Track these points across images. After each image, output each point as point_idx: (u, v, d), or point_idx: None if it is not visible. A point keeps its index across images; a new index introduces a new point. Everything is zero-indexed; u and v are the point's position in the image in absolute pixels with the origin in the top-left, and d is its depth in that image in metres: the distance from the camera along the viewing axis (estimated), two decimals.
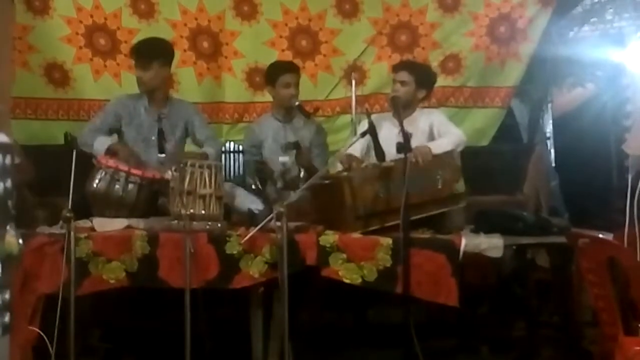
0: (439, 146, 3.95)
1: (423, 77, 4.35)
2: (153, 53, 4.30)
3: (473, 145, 5.06)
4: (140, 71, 4.26)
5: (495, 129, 5.30)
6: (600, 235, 3.15)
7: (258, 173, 4.23)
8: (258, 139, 4.61)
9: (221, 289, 3.51)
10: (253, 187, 4.17)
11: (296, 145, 4.24)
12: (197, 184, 3.55)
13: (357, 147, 4.04)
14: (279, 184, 4.00)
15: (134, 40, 5.02)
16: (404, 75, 4.27)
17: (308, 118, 4.59)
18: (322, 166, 4.47)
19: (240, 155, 5.27)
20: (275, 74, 4.53)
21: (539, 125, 5.78)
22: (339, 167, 4.04)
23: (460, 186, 3.83)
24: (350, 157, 4.01)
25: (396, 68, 4.39)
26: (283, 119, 4.60)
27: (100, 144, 4.13)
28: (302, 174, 4.09)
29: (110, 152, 4.07)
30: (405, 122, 3.79)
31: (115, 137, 4.30)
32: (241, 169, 5.06)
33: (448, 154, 3.91)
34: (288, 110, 4.59)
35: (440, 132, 4.20)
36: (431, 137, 4.23)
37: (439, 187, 3.76)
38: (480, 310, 4.78)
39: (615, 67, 5.30)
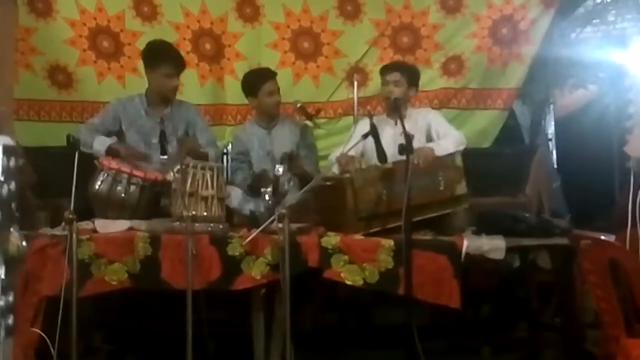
0: (443, 148, 3.96)
1: (413, 76, 4.39)
2: (183, 61, 4.39)
3: (475, 147, 5.07)
4: (175, 79, 4.30)
5: (497, 130, 5.30)
6: (602, 237, 3.15)
7: (254, 182, 4.26)
8: (244, 147, 4.62)
9: (223, 291, 3.51)
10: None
11: (291, 156, 4.26)
12: (199, 185, 3.55)
13: (351, 150, 4.03)
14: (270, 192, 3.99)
15: (138, 43, 5.05)
16: (396, 76, 4.29)
17: (310, 120, 4.59)
18: (313, 167, 4.50)
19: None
20: (257, 84, 4.51)
21: (541, 127, 5.78)
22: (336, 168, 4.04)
23: (462, 188, 3.83)
24: (347, 157, 4.01)
25: (387, 69, 4.39)
26: (267, 126, 4.61)
27: (100, 143, 4.13)
28: (291, 183, 4.11)
29: (112, 151, 4.08)
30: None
31: (114, 138, 4.30)
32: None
33: (450, 155, 3.92)
34: (272, 117, 4.60)
35: (439, 133, 4.21)
36: (429, 137, 4.25)
37: (441, 188, 3.76)
38: (482, 312, 4.79)
39: (617, 68, 5.30)
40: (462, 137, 4.22)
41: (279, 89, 4.55)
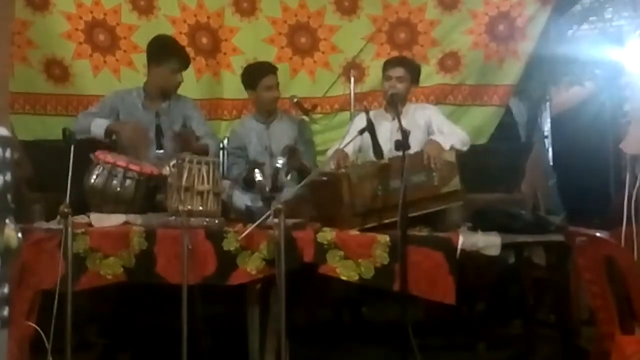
0: (450, 142, 3.99)
1: (415, 72, 4.41)
2: (188, 58, 4.43)
3: (471, 144, 5.06)
4: (179, 76, 4.31)
5: (493, 127, 5.30)
6: (598, 234, 3.15)
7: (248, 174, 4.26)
8: (242, 141, 4.62)
9: (218, 285, 3.50)
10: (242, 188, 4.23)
11: (291, 149, 4.26)
12: (194, 180, 3.54)
13: (349, 146, 4.04)
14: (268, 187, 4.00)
15: (134, 37, 5.06)
16: (400, 71, 4.31)
17: (307, 115, 4.59)
18: (311, 163, 4.50)
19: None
20: (256, 78, 4.52)
21: (537, 124, 5.78)
22: (331, 165, 4.04)
23: (457, 184, 3.83)
24: (342, 153, 4.00)
25: (391, 64, 4.40)
26: (265, 121, 4.61)
27: (98, 126, 4.11)
28: (289, 177, 4.10)
29: (110, 132, 4.06)
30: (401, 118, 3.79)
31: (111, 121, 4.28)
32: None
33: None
34: (270, 112, 4.60)
35: (443, 131, 4.20)
36: (428, 133, 4.26)
37: (435, 184, 3.76)
38: (477, 308, 4.79)
39: (613, 66, 5.30)
40: (466, 136, 4.22)
41: (278, 84, 4.55)
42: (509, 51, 5.18)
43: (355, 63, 5.21)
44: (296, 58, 5.26)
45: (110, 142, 4.05)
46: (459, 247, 3.43)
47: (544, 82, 5.55)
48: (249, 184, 4.20)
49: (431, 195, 3.73)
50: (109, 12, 5.11)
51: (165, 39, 4.50)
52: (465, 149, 4.09)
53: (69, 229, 3.24)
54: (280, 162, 3.82)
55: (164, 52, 4.31)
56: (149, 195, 3.85)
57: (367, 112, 3.85)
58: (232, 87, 5.23)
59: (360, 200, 3.58)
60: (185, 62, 4.35)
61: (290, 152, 4.19)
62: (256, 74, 4.53)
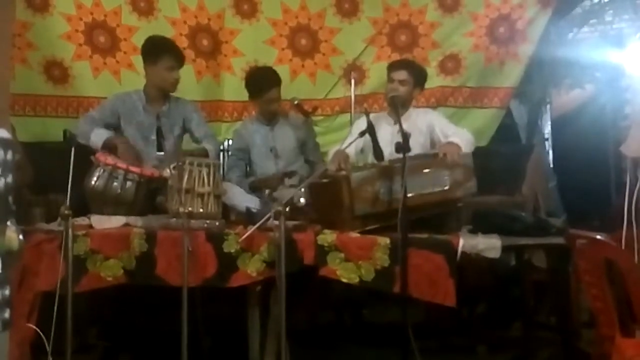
0: (465, 144, 3.96)
1: (419, 76, 4.38)
2: (182, 55, 4.43)
3: None
4: (176, 72, 4.31)
5: (494, 129, 5.30)
6: (598, 237, 3.15)
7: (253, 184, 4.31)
8: (245, 143, 4.62)
9: (218, 287, 3.50)
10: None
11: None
12: (195, 182, 3.54)
13: (352, 147, 4.04)
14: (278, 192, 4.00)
15: (134, 38, 5.06)
16: (402, 74, 4.29)
17: (307, 117, 4.59)
18: (319, 160, 4.51)
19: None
20: (260, 90, 4.50)
21: (537, 126, 5.79)
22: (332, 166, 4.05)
23: (472, 187, 3.82)
24: (343, 154, 4.00)
25: (394, 67, 4.39)
26: (268, 123, 4.61)
27: (98, 136, 4.12)
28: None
29: (108, 145, 4.07)
30: (402, 121, 3.78)
31: (112, 132, 4.29)
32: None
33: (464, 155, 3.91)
34: (273, 115, 4.60)
35: (446, 134, 4.18)
36: (432, 138, 4.25)
37: (446, 188, 3.74)
38: (477, 311, 4.79)
39: (614, 68, 5.31)
40: (471, 137, 4.19)
41: (280, 94, 4.54)
42: (509, 54, 5.18)
43: (355, 65, 5.22)
44: (296, 60, 5.26)
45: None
46: (460, 249, 3.42)
47: (545, 84, 5.56)
48: (254, 188, 4.21)
49: (437, 199, 3.72)
50: (109, 13, 5.11)
51: (157, 38, 4.51)
52: (471, 149, 4.07)
53: (70, 231, 3.24)
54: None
55: (158, 50, 4.32)
56: (149, 197, 3.86)
57: (367, 115, 3.85)
58: (233, 89, 5.24)
59: (360, 202, 3.57)
60: (179, 58, 4.35)
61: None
62: (263, 85, 4.48)
